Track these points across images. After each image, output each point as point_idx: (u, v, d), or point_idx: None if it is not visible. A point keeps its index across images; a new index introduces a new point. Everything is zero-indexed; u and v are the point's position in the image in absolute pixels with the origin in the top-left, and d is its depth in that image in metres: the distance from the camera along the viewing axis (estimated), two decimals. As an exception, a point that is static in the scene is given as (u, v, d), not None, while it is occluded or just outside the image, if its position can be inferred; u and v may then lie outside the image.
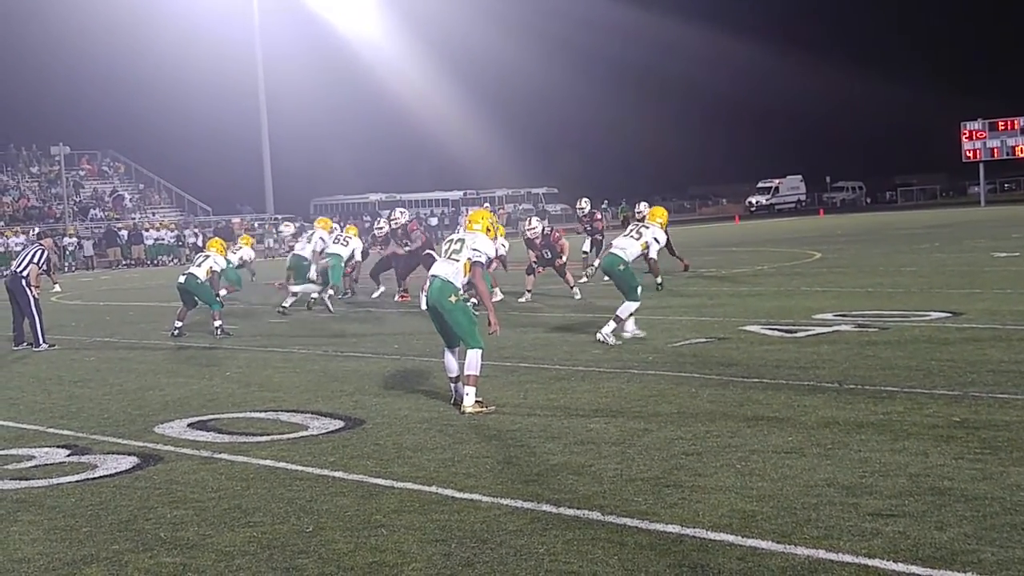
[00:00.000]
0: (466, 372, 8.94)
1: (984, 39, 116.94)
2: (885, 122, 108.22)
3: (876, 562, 4.83)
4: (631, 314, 12.69)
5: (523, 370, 11.10)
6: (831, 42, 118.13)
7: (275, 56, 65.19)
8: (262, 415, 9.41)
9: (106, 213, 58.14)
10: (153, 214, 60.40)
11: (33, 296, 16.03)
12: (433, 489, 6.56)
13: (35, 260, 16.35)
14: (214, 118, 78.47)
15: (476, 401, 8.92)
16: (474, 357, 8.92)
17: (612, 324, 12.58)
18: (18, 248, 44.18)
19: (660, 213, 13.63)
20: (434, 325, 9.40)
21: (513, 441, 7.77)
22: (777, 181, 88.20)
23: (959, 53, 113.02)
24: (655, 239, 13.07)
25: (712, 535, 5.36)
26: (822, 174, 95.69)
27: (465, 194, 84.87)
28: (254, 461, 7.59)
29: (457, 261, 9.14)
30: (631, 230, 13.37)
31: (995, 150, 65.94)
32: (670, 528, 5.51)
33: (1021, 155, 64.51)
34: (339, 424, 8.76)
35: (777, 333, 12.73)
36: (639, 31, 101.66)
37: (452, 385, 9.33)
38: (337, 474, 7.08)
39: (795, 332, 12.66)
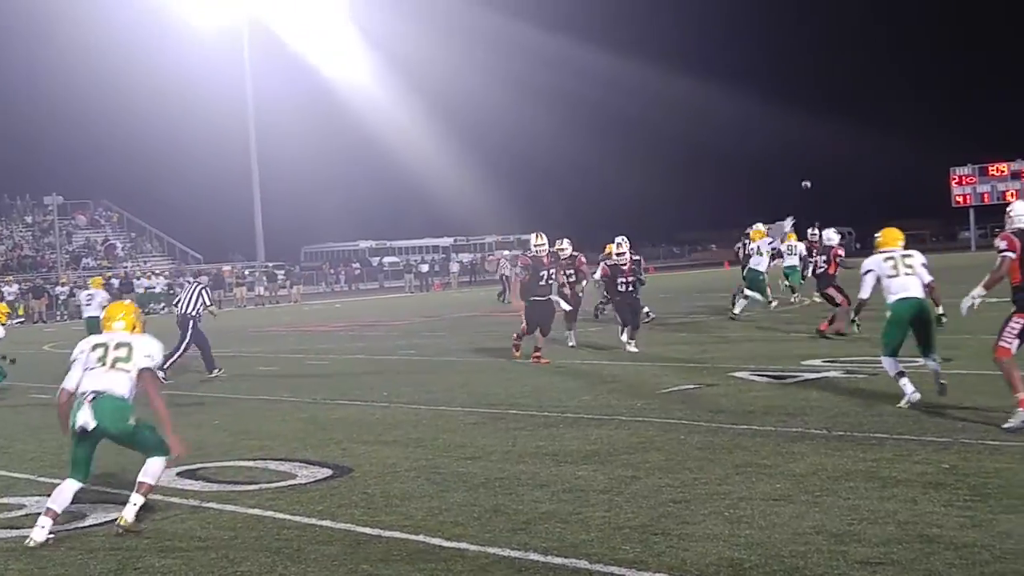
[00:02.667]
0: (143, 479, 7.27)
1: (973, 85, 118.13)
2: (874, 167, 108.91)
3: (864, 610, 4.82)
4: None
5: (511, 417, 11.08)
6: (820, 91, 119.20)
7: (266, 105, 65.70)
8: (250, 464, 9.37)
9: (98, 262, 58.20)
10: (145, 262, 60.47)
11: (191, 331, 17.08)
12: (420, 538, 6.53)
13: (202, 297, 17.63)
14: (206, 167, 78.83)
15: (135, 518, 7.18)
16: (159, 465, 7.34)
17: None
18: (10, 297, 44.41)
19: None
20: (77, 451, 7.37)
21: (501, 489, 7.75)
22: (767, 227, 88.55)
23: (949, 99, 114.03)
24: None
25: (700, 584, 5.34)
26: (812, 220, 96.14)
27: (455, 240, 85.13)
28: (242, 510, 7.56)
29: (127, 372, 7.40)
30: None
31: (985, 195, 66.35)
32: (658, 577, 5.50)
33: (1011, 200, 65.01)
34: (327, 472, 8.73)
35: (766, 379, 12.74)
36: (629, 81, 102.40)
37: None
38: (325, 523, 7.05)
39: (784, 378, 12.67)
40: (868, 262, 10.91)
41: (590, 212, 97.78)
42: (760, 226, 25.47)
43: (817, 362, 13.95)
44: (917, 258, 10.83)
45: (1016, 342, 8.91)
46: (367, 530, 6.80)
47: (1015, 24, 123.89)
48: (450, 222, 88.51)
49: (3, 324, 16.29)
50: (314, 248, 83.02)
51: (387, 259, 79.77)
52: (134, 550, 6.64)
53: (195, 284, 18.54)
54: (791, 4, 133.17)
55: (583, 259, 19.00)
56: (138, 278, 51.75)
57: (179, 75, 67.92)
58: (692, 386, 12.52)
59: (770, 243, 24.86)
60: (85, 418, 7.17)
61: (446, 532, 6.63)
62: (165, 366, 15.68)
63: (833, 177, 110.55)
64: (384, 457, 9.24)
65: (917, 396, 10.07)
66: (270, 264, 62.63)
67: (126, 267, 57.04)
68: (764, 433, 9.30)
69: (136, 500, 7.19)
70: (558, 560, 5.90)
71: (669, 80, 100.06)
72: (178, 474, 8.96)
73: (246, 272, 57.93)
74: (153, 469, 7.31)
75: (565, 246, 18.66)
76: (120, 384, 7.34)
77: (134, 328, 7.74)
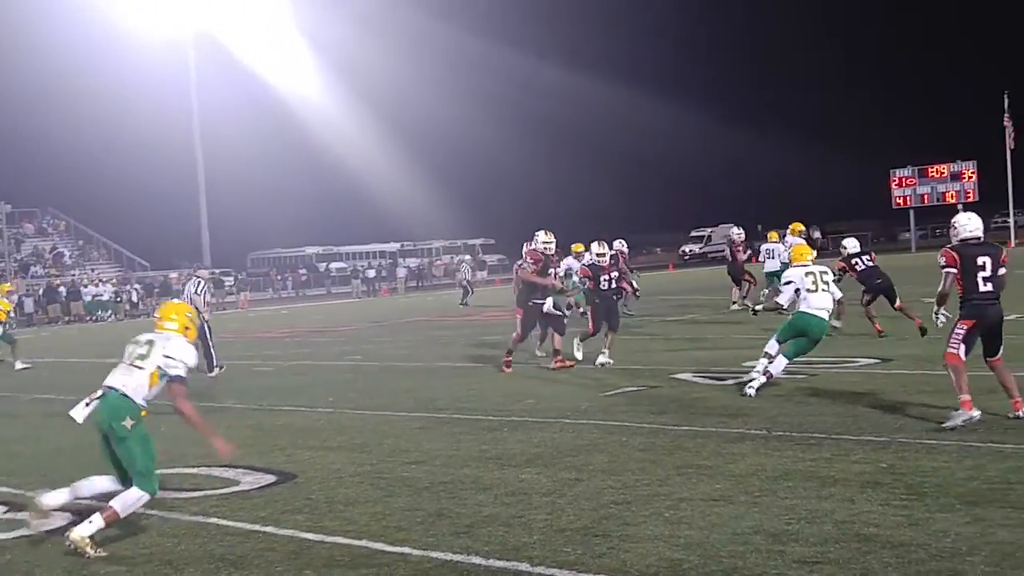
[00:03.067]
0: (113, 504, 6.79)
1: (912, 88, 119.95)
2: (816, 172, 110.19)
3: (800, 608, 4.90)
4: None
5: (456, 421, 11.10)
6: (761, 99, 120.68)
7: (212, 112, 65.11)
8: (195, 471, 9.31)
9: (47, 270, 57.46)
10: (92, 270, 59.75)
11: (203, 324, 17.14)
12: (364, 543, 6.54)
13: (196, 291, 18.10)
14: (152, 175, 78.29)
15: (90, 538, 6.67)
16: (134, 498, 6.83)
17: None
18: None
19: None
20: (102, 451, 7.09)
21: (445, 493, 7.77)
22: (710, 230, 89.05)
23: (888, 103, 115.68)
24: None
25: (640, 584, 5.40)
26: (755, 223, 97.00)
27: (403, 245, 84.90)
28: (186, 517, 7.53)
29: (142, 369, 7.07)
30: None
31: (925, 196, 67.18)
32: (598, 578, 5.55)
33: (951, 201, 65.82)
34: (271, 479, 8.70)
35: (708, 381, 12.86)
36: (575, 92, 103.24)
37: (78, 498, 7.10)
38: (268, 529, 7.04)
39: (725, 380, 12.80)
40: (789, 274, 12.26)
41: (537, 217, 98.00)
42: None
43: (758, 363, 14.07)
44: (829, 275, 12.23)
45: (962, 347, 9.14)
46: (310, 536, 6.79)
47: (956, 27, 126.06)
48: (397, 227, 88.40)
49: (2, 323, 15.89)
50: (261, 254, 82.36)
51: (334, 265, 79.41)
52: (79, 559, 6.59)
53: (197, 281, 18.92)
54: (734, 18, 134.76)
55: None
56: (85, 286, 51.12)
57: (126, 84, 67.49)
58: (635, 388, 12.61)
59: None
60: (81, 413, 6.88)
61: (389, 537, 6.64)
62: (215, 365, 17.70)
63: (775, 182, 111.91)
64: (329, 463, 9.22)
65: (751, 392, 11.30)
66: (217, 270, 62.12)
67: (73, 275, 56.34)
68: (705, 434, 9.39)
69: (95, 521, 6.68)
70: (500, 563, 5.94)
71: (615, 92, 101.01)
72: (121, 482, 8.89)
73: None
74: (129, 499, 6.79)
75: (605, 250, 16.52)
76: (131, 381, 6.97)
77: (186, 330, 7.27)
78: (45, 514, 6.96)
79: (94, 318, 48.61)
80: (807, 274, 11.91)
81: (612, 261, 16.21)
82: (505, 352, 15.55)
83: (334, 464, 9.14)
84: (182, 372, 7.05)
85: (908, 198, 67.44)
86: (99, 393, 6.93)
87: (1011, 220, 66.04)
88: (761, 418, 10.01)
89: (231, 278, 60.45)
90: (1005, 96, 59.63)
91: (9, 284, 35.76)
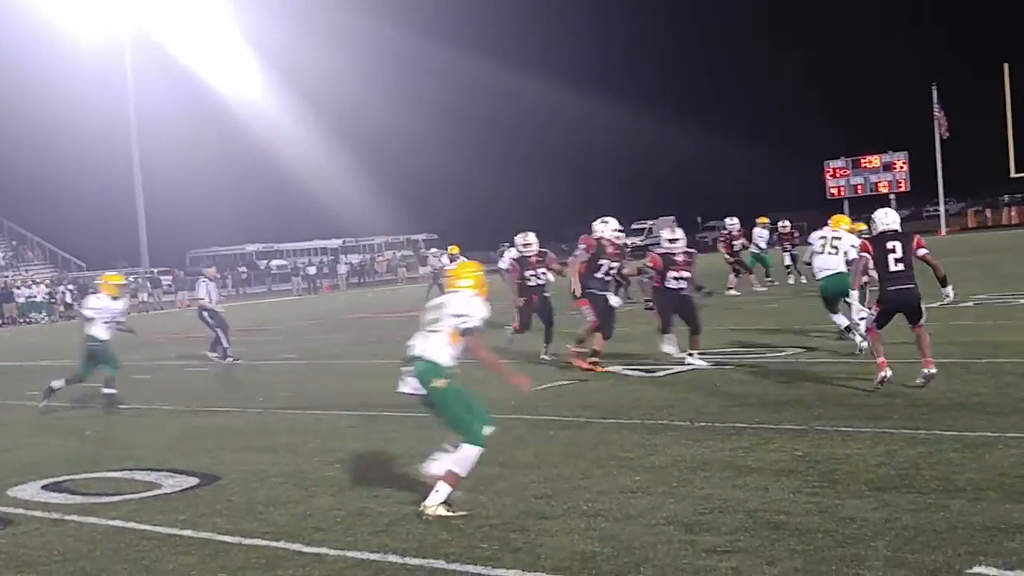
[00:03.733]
0: (449, 466, 7.08)
1: (844, 80, 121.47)
2: (751, 163, 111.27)
3: (706, 598, 4.96)
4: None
5: (386, 419, 11.08)
6: (701, 93, 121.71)
7: (149, 112, 64.45)
8: (117, 474, 9.21)
9: (-22, 272, 56.52)
10: (27, 271, 58.82)
11: (208, 320, 19.48)
12: (281, 544, 6.52)
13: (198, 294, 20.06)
14: (89, 174, 77.17)
15: (444, 503, 6.99)
16: (465, 455, 7.08)
17: None
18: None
19: None
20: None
21: (367, 492, 7.76)
22: (650, 222, 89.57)
23: (820, 95, 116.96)
24: None
25: (552, 578, 5.44)
26: (694, 215, 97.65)
27: (344, 242, 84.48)
28: (103, 522, 7.45)
29: (438, 332, 7.35)
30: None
31: (859, 187, 68.09)
32: (511, 573, 5.58)
33: (884, 191, 66.76)
34: (194, 481, 8.63)
35: (637, 373, 12.96)
36: (512, 89, 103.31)
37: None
38: (186, 532, 6.99)
39: (654, 372, 12.90)
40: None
41: (478, 212, 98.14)
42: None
43: (688, 355, 14.18)
44: (842, 239, 13.62)
45: (876, 323, 10.51)
46: (227, 538, 6.75)
47: (888, 18, 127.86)
48: (338, 224, 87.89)
49: (114, 297, 15.94)
50: (200, 252, 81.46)
51: (275, 262, 78.88)
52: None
53: (201, 280, 20.48)
54: (664, 10, 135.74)
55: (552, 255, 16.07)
56: (18, 287, 50.33)
57: (61, 84, 66.40)
58: (565, 382, 12.67)
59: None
60: (407, 386, 7.34)
61: (307, 538, 6.62)
62: (227, 352, 19.13)
63: (711, 173, 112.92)
64: (253, 464, 9.16)
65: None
66: (155, 270, 61.43)
67: (6, 276, 55.42)
68: (630, 427, 9.47)
69: (441, 489, 6.92)
70: (416, 561, 5.95)
71: (549, 88, 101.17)
72: (43, 487, 8.83)
73: (130, 279, 56.69)
74: (462, 457, 6.99)
75: (531, 240, 15.74)
76: (430, 345, 7.26)
77: (480, 287, 7.54)
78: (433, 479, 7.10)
79: (28, 320, 47.97)
80: (820, 238, 13.70)
81: (539, 256, 15.36)
82: (581, 347, 13.98)
83: (259, 465, 9.09)
84: (474, 324, 7.32)
85: (842, 188, 68.30)
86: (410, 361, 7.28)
87: (942, 209, 67.20)
88: (686, 410, 10.10)
89: (169, 277, 59.68)
90: (933, 88, 60.57)
91: None
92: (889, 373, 10.04)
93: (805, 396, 10.29)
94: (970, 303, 18.27)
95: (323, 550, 6.31)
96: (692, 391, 11.20)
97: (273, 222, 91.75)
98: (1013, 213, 71.27)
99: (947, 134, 61.05)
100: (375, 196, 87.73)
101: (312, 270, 63.33)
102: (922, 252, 10.36)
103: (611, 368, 13.49)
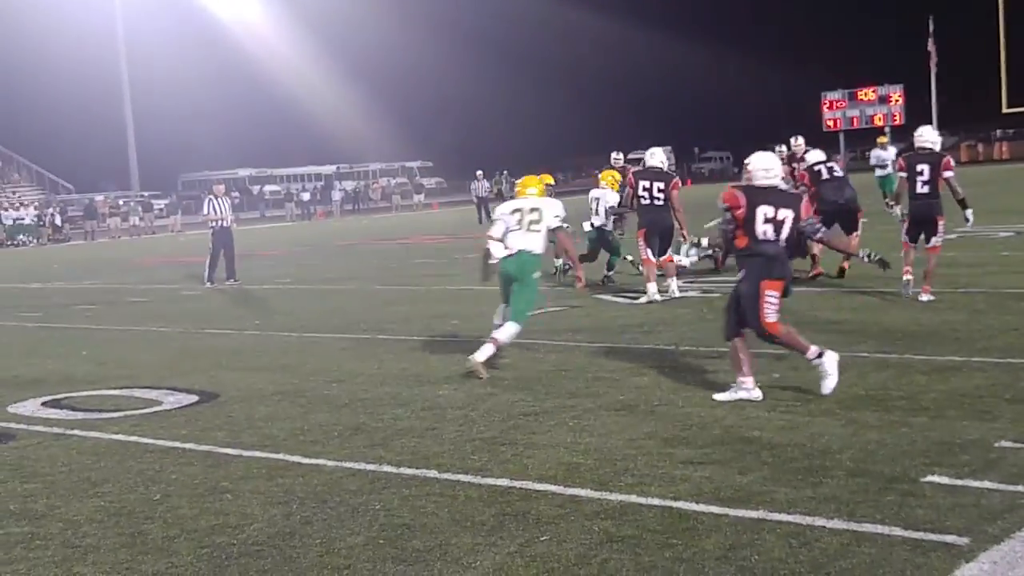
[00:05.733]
0: (498, 335, 9.18)
1: (843, 12, 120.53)
2: (751, 94, 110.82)
3: (680, 504, 5.29)
4: None
5: (380, 342, 11.39)
6: (696, 20, 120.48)
7: (138, 29, 63.76)
8: (116, 392, 9.49)
9: (-36, 193, 56.43)
10: (13, 193, 58.74)
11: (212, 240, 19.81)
12: (280, 456, 6.82)
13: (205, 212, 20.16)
14: (76, 95, 76.38)
15: (483, 363, 8.97)
16: (512, 330, 9.23)
17: None
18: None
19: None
20: (502, 289, 9.50)
21: (363, 409, 8.06)
22: (646, 152, 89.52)
23: (820, 27, 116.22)
24: None
25: (537, 486, 5.76)
26: (691, 146, 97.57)
27: (338, 168, 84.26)
28: (106, 436, 7.72)
29: (539, 232, 9.29)
30: None
31: (855, 119, 68.18)
32: (500, 481, 5.90)
33: (879, 124, 66.79)
34: (193, 399, 8.93)
35: (626, 300, 13.27)
36: (514, 9, 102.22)
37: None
38: (187, 445, 7.28)
39: (642, 299, 13.20)
40: None
41: (478, 141, 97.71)
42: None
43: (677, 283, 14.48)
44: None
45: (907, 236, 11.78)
46: (228, 451, 7.06)
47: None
48: (333, 149, 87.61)
49: None
50: (192, 176, 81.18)
51: (268, 187, 78.70)
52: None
53: (208, 197, 20.35)
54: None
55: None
56: (6, 209, 50.35)
57: (48, 2, 65.48)
58: (557, 308, 12.95)
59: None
60: (499, 252, 9.32)
61: (306, 450, 6.93)
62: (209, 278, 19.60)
63: (710, 102, 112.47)
64: (251, 383, 9.46)
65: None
66: (146, 193, 61.39)
67: (-7, 198, 55.46)
68: (617, 350, 9.79)
69: (485, 349, 9.04)
70: (410, 471, 6.26)
71: (553, 8, 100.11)
72: (43, 404, 9.09)
73: (120, 202, 56.72)
74: (509, 330, 9.20)
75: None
76: (535, 242, 9.27)
77: (545, 190, 9.87)
78: (480, 367, 8.97)
79: (15, 243, 47.96)
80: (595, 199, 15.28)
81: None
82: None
83: (256, 384, 9.38)
84: (561, 223, 9.55)
85: (839, 121, 68.31)
86: (514, 251, 9.23)
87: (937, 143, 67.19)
88: (672, 334, 10.42)
89: (167, 201, 59.64)
90: (930, 21, 60.37)
91: None
92: (911, 279, 11.53)
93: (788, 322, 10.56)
94: (953, 235, 18.52)
95: (321, 461, 6.62)
96: (678, 317, 11.52)
97: (267, 147, 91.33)
98: (1005, 148, 71.37)
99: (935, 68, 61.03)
100: (371, 121, 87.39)
101: (306, 196, 63.26)
102: (947, 175, 11.58)
103: (602, 296, 13.79)
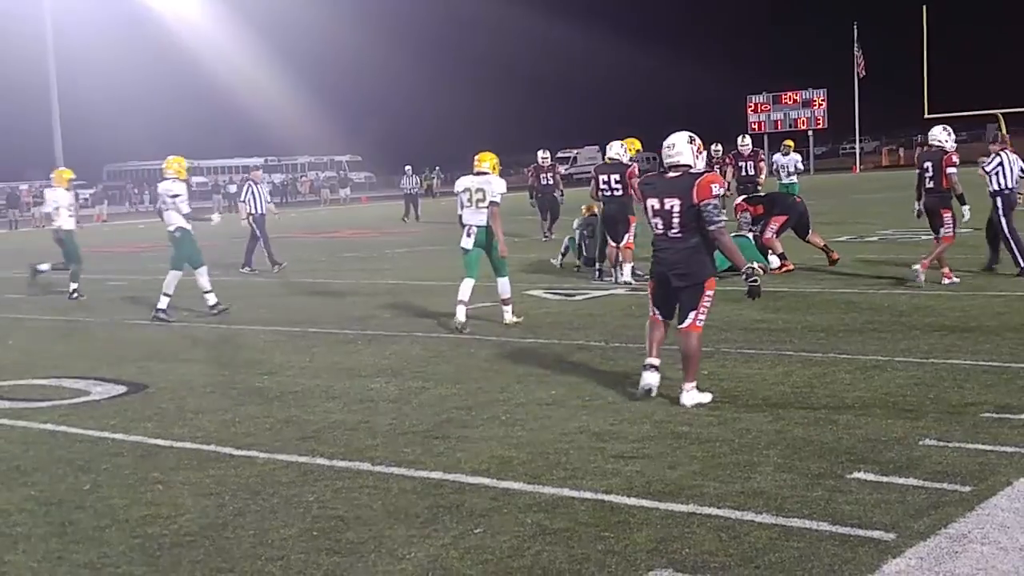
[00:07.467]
0: (504, 295, 11.25)
1: (768, 16, 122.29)
2: (678, 94, 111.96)
3: (612, 497, 5.38)
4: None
5: (312, 335, 11.37)
6: (629, 21, 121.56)
7: (66, 18, 62.50)
8: (44, 382, 9.39)
9: None
10: (-68, 180, 57.40)
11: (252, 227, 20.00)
12: (212, 448, 6.81)
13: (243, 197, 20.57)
14: (1, 82, 74.75)
15: (512, 314, 11.29)
16: (507, 283, 11.32)
17: None
18: None
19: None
20: (469, 260, 11.18)
21: (295, 402, 8.06)
22: (575, 151, 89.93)
23: (745, 29, 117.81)
24: None
25: (470, 479, 5.82)
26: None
27: (267, 160, 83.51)
28: (35, 425, 7.65)
29: (484, 209, 10.96)
30: None
31: (778, 122, 69.18)
32: (433, 474, 5.95)
33: (803, 127, 67.84)
34: (122, 389, 8.85)
35: (558, 297, 13.39)
36: (449, 5, 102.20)
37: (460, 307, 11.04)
38: (117, 436, 7.23)
39: (574, 296, 13.35)
40: None
41: (407, 134, 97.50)
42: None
43: (603, 281, 14.66)
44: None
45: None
46: (159, 442, 7.02)
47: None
48: (262, 142, 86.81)
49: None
50: (117, 167, 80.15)
51: (195, 179, 77.57)
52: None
53: (247, 183, 20.82)
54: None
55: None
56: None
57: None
58: (488, 304, 13.00)
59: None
60: (467, 242, 11.09)
61: (237, 442, 6.92)
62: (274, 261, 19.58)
63: (640, 101, 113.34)
64: (181, 374, 9.40)
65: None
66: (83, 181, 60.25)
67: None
68: (548, 346, 9.89)
69: (507, 309, 11.31)
70: (343, 463, 6.29)
71: (487, 6, 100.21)
72: (-32, 394, 8.94)
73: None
74: (506, 284, 11.30)
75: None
76: (483, 216, 10.97)
77: (495, 168, 11.38)
78: (462, 325, 10.92)
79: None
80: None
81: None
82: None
83: (186, 376, 9.33)
84: (498, 199, 11.01)
85: (763, 123, 69.28)
86: (473, 229, 11.00)
87: (857, 147, 68.58)
88: (602, 331, 10.54)
89: (91, 191, 58.68)
90: (855, 27, 61.52)
91: None
92: (923, 278, 12.51)
93: (714, 321, 10.70)
94: (875, 238, 18.99)
95: (253, 453, 6.62)
96: (607, 314, 11.66)
97: (194, 137, 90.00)
98: (926, 153, 72.81)
99: (863, 73, 62.16)
100: (301, 114, 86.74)
101: (233, 188, 62.42)
102: (949, 171, 12.54)
103: (532, 292, 13.90)
